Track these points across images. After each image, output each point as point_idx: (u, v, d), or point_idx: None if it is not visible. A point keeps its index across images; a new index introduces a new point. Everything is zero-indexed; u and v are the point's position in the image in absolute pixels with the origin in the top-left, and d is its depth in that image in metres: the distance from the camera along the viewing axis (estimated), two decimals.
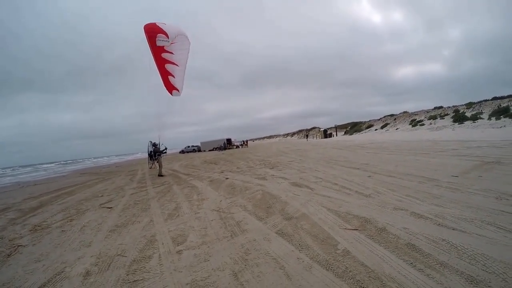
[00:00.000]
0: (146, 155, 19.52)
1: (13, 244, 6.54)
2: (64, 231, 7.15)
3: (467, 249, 3.80)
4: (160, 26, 14.33)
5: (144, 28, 14.20)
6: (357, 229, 4.87)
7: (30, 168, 79.18)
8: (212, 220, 6.51)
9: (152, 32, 14.10)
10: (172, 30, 14.64)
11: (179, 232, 5.97)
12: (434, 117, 44.80)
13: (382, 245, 4.18)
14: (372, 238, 4.45)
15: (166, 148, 18.81)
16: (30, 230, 7.61)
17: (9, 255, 5.83)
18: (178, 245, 5.22)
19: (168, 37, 14.26)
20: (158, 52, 14.55)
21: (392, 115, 65.44)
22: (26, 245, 6.39)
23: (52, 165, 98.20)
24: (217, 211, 7.30)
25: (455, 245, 3.92)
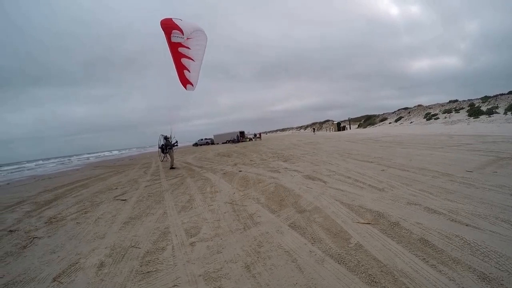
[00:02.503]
0: (158, 149, 19.55)
1: (29, 236, 6.68)
2: (78, 223, 7.27)
3: (480, 245, 3.78)
4: (176, 22, 14.34)
5: (160, 23, 14.24)
6: (370, 223, 4.88)
7: (44, 162, 79.97)
8: (225, 213, 6.56)
9: (168, 28, 14.13)
10: (188, 26, 14.65)
11: (193, 224, 6.03)
12: (449, 111, 44.32)
13: (395, 239, 4.18)
14: (385, 233, 4.45)
15: (177, 142, 18.91)
16: (46, 223, 7.75)
17: (25, 247, 5.95)
18: (191, 237, 5.28)
19: (183, 34, 14.26)
20: (175, 47, 14.59)
21: (406, 109, 64.89)
22: (42, 237, 6.51)
23: (66, 158, 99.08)
24: (230, 203, 7.35)
25: (468, 242, 3.91)
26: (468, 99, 48.60)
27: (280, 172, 11.17)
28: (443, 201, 5.73)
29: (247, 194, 8.14)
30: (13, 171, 51.13)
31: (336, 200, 6.45)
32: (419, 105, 61.68)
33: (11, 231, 7.38)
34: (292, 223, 5.35)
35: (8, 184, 23.37)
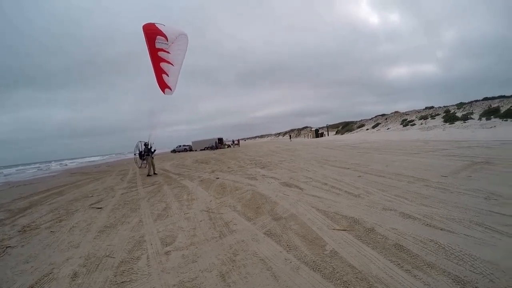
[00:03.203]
0: (136, 155, 19.32)
1: (2, 245, 6.49)
2: (53, 232, 7.10)
3: (454, 249, 3.79)
4: (159, 27, 14.27)
5: (143, 28, 14.13)
6: (345, 230, 4.86)
7: (18, 168, 78.55)
8: (201, 221, 6.47)
9: (151, 33, 14.03)
10: (172, 32, 14.61)
11: (168, 232, 5.94)
12: (425, 117, 45.04)
13: (370, 245, 4.16)
14: (360, 239, 4.43)
15: (155, 150, 18.75)
16: (19, 231, 7.56)
17: None
18: (166, 246, 5.19)
19: (167, 40, 14.23)
20: (155, 51, 14.48)
21: (383, 115, 65.69)
22: (15, 246, 6.35)
23: (41, 164, 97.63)
24: (207, 211, 7.26)
25: (442, 246, 3.92)
26: (444, 106, 49.48)
27: (257, 179, 11.12)
28: (418, 206, 5.76)
29: (223, 202, 8.06)
30: None
31: (312, 207, 6.42)
32: (396, 112, 62.52)
33: None
34: (267, 231, 5.30)
35: None
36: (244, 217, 6.38)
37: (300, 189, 8.53)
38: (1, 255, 5.85)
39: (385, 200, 6.42)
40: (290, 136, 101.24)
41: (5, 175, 48.58)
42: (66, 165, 72.83)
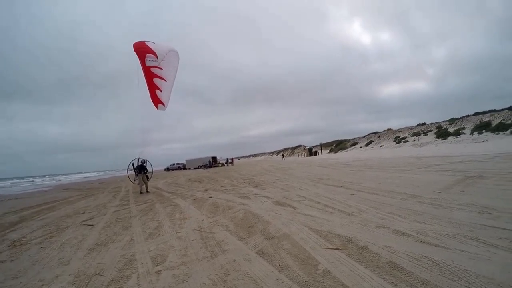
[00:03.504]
0: (130, 171, 19.12)
1: None
2: (43, 247, 7.00)
3: (449, 265, 3.74)
4: (149, 45, 14.40)
5: (133, 46, 14.27)
6: (338, 249, 4.78)
7: (13, 181, 78.05)
8: (193, 240, 6.36)
9: (141, 51, 14.15)
10: (162, 49, 14.74)
11: (159, 251, 5.83)
12: (417, 134, 45.37)
13: (363, 264, 4.09)
14: (353, 257, 4.35)
15: (147, 170, 18.67)
16: (9, 246, 7.47)
17: None
18: (157, 265, 5.08)
19: (157, 58, 14.36)
20: (148, 68, 14.57)
21: (376, 133, 66.17)
22: (4, 261, 6.26)
23: (35, 178, 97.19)
24: (199, 230, 7.14)
25: (437, 262, 3.87)
26: (436, 122, 50.00)
27: (250, 198, 11.03)
28: (411, 223, 5.72)
29: (216, 221, 7.94)
30: None
31: (305, 226, 6.34)
32: (389, 129, 62.94)
33: None
34: (260, 250, 5.20)
35: None
36: (236, 236, 6.27)
37: (293, 208, 8.45)
38: None
39: (378, 218, 6.37)
40: (282, 155, 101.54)
41: None
42: (59, 180, 72.45)
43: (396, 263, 3.99)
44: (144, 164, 18.38)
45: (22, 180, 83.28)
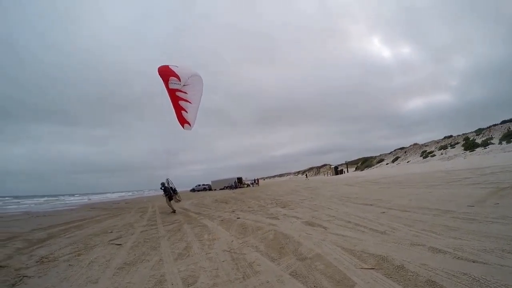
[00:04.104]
0: (163, 192, 19.28)
1: (19, 274, 6.52)
2: (71, 265, 7.07)
3: (489, 281, 3.67)
4: (173, 69, 14.74)
5: (158, 70, 14.66)
6: (373, 268, 4.71)
7: (39, 199, 79.39)
8: (223, 261, 6.31)
9: (165, 75, 14.50)
10: (185, 72, 15.04)
11: (190, 272, 5.79)
12: (444, 147, 44.71)
13: (401, 283, 4.02)
14: (390, 277, 4.29)
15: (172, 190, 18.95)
16: (37, 262, 7.57)
17: (13, 285, 5.84)
18: (188, 286, 5.06)
19: (180, 80, 14.64)
20: (172, 91, 14.89)
21: (402, 148, 65.38)
22: (32, 276, 6.35)
23: (64, 197, 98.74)
24: (229, 251, 7.10)
25: (476, 278, 3.79)
26: (463, 133, 49.12)
27: (279, 219, 10.92)
28: (447, 239, 5.62)
29: (245, 242, 7.88)
30: (7, 204, 51.06)
31: (338, 246, 6.26)
32: (415, 144, 62.15)
33: (0, 266, 7.21)
34: (293, 271, 5.14)
35: (1, 217, 23.04)
36: (268, 257, 6.21)
37: (323, 228, 8.35)
38: (18, 284, 5.89)
39: (412, 236, 6.27)
40: (306, 174, 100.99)
41: (22, 204, 49.75)
42: (89, 199, 73.35)
43: (435, 281, 3.91)
44: (166, 185, 18.65)
45: (51, 198, 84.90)
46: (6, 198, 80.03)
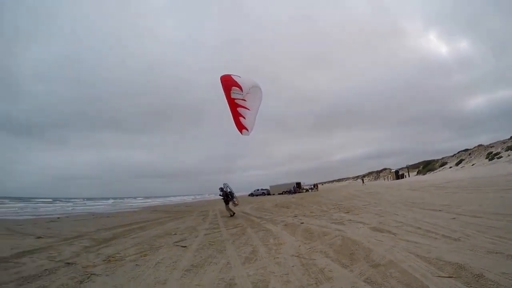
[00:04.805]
0: (222, 197, 19.74)
1: (86, 271, 6.81)
2: (138, 265, 7.28)
3: None
4: (235, 79, 15.05)
5: (220, 79, 15.01)
6: (452, 277, 4.64)
7: (105, 201, 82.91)
8: (293, 266, 6.28)
9: (228, 84, 14.83)
10: (247, 83, 15.34)
11: (259, 277, 5.78)
12: None
13: None
14: (470, 286, 4.22)
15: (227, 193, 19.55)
16: (104, 260, 7.88)
17: (81, 282, 6.09)
18: None
19: (242, 91, 14.91)
20: (231, 99, 15.20)
21: (466, 150, 62.66)
22: (100, 274, 6.58)
23: (123, 199, 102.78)
24: (297, 256, 7.05)
25: None
26: None
27: (344, 224, 10.84)
28: None
29: (313, 247, 7.84)
30: (73, 206, 54.70)
31: (410, 253, 6.16)
32: (479, 145, 59.28)
33: (68, 263, 7.60)
34: (367, 279, 5.10)
35: (68, 217, 24.70)
36: (339, 263, 6.17)
37: (392, 234, 8.24)
38: (85, 281, 6.14)
39: (487, 243, 6.10)
40: (362, 180, 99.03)
41: (87, 206, 53.33)
42: (145, 202, 75.93)
43: None
44: (224, 189, 19.31)
45: (118, 200, 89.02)
46: (75, 200, 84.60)
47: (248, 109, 15.79)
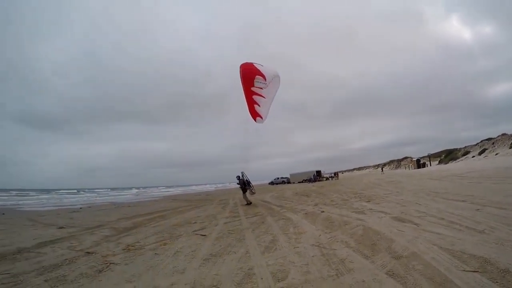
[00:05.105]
0: (240, 185, 19.82)
1: (106, 260, 6.91)
2: (157, 254, 7.35)
3: None
4: (258, 68, 15.00)
5: (240, 67, 14.98)
6: (477, 271, 4.52)
7: (123, 191, 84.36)
8: (313, 256, 6.22)
9: (250, 73, 14.76)
10: (269, 72, 15.36)
11: (279, 267, 5.74)
12: None
13: None
14: (496, 281, 4.11)
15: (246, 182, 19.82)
16: (123, 249, 7.99)
17: (100, 271, 6.17)
18: (278, 281, 5.03)
19: (265, 80, 14.92)
20: (248, 86, 15.13)
21: (489, 139, 61.53)
22: (119, 263, 6.67)
23: (144, 189, 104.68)
24: (318, 246, 6.99)
25: None
26: None
27: (365, 214, 10.75)
28: None
29: (334, 237, 7.78)
30: (96, 196, 56.39)
31: (434, 245, 6.04)
32: (503, 134, 58.05)
33: (88, 252, 7.74)
34: (389, 271, 5.02)
35: (90, 207, 25.23)
36: (360, 254, 6.11)
37: (415, 224, 8.10)
38: (104, 270, 6.22)
39: None
40: (382, 168, 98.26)
41: (109, 196, 54.70)
42: (174, 191, 76.98)
43: None
44: (241, 178, 19.50)
45: (141, 190, 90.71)
46: (99, 190, 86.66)
47: (264, 97, 15.76)
